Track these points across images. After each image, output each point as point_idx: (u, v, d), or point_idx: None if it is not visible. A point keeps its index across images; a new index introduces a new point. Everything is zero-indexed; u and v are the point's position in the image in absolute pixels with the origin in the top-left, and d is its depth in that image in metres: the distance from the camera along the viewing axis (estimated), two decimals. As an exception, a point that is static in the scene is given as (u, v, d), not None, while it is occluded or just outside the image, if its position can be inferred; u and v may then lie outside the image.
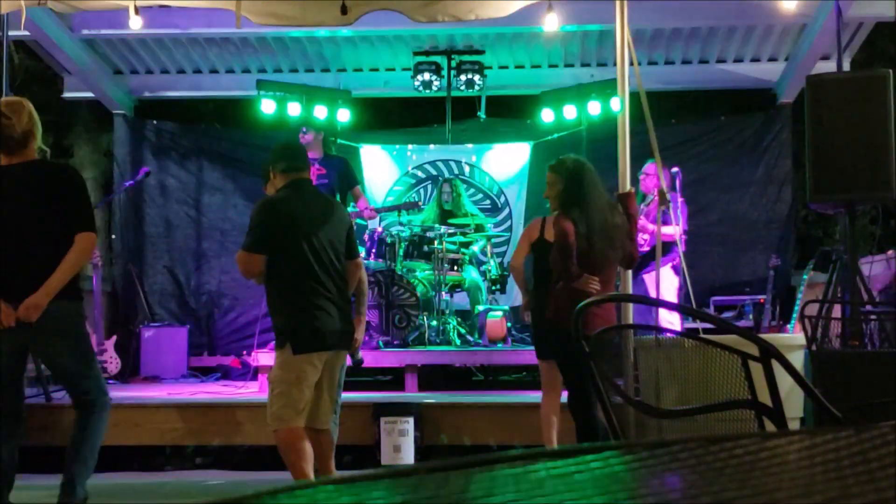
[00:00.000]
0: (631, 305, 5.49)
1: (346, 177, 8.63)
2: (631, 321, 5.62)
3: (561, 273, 5.11)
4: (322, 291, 4.82)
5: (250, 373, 8.75)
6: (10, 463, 4.67)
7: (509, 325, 8.72)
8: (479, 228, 9.38)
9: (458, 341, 8.58)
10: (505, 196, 10.97)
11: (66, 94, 11.14)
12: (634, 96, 6.30)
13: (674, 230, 7.39)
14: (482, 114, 10.90)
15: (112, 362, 9.13)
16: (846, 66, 8.84)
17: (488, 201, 10.96)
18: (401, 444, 6.57)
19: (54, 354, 4.78)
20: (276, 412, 4.80)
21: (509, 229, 10.79)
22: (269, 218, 4.89)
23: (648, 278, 7.77)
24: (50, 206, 4.59)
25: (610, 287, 5.34)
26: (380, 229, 9.13)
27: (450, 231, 8.96)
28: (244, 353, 9.77)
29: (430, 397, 7.31)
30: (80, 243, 4.58)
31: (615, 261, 5.31)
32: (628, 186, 5.75)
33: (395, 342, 8.38)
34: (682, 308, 7.33)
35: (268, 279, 4.90)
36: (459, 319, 8.90)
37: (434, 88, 10.47)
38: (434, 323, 8.57)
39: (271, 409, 4.83)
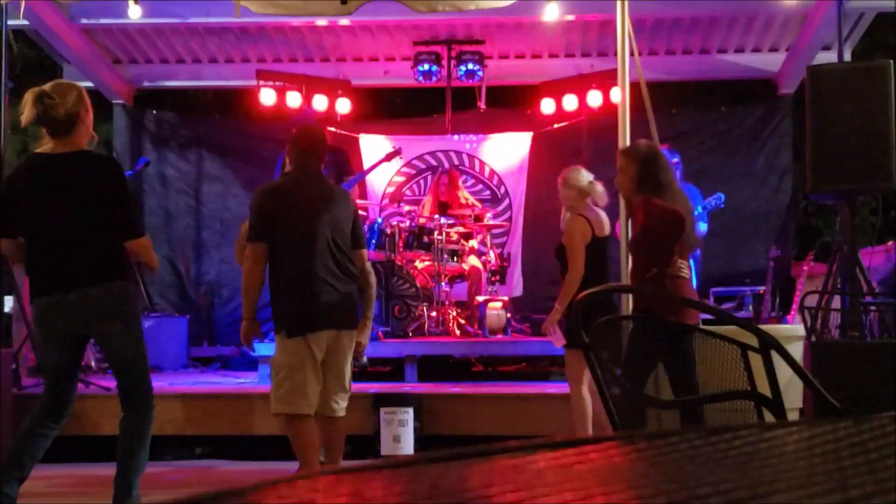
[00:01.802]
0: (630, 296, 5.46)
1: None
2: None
3: (655, 260, 4.86)
4: (319, 275, 4.78)
5: (250, 363, 8.76)
6: (26, 452, 4.59)
7: (508, 315, 8.72)
8: (478, 219, 9.38)
9: (457, 332, 8.58)
10: (505, 186, 10.95)
11: (66, 84, 11.12)
12: (635, 86, 6.29)
13: None
14: (482, 104, 10.88)
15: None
16: (847, 57, 8.82)
17: (488, 192, 10.94)
18: (400, 434, 6.57)
19: (112, 338, 4.62)
20: (281, 395, 4.80)
21: (509, 220, 10.78)
22: (263, 203, 4.90)
23: None
24: (94, 199, 4.52)
25: (690, 272, 5.17)
26: (380, 220, 9.12)
27: (449, 222, 8.95)
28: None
29: (429, 388, 7.32)
30: (135, 249, 4.63)
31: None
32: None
33: (396, 333, 8.39)
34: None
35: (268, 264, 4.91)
36: (459, 310, 8.90)
37: (434, 78, 10.46)
38: (434, 314, 8.58)
39: (276, 392, 4.83)
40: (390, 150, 9.68)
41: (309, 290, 4.78)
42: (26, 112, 4.51)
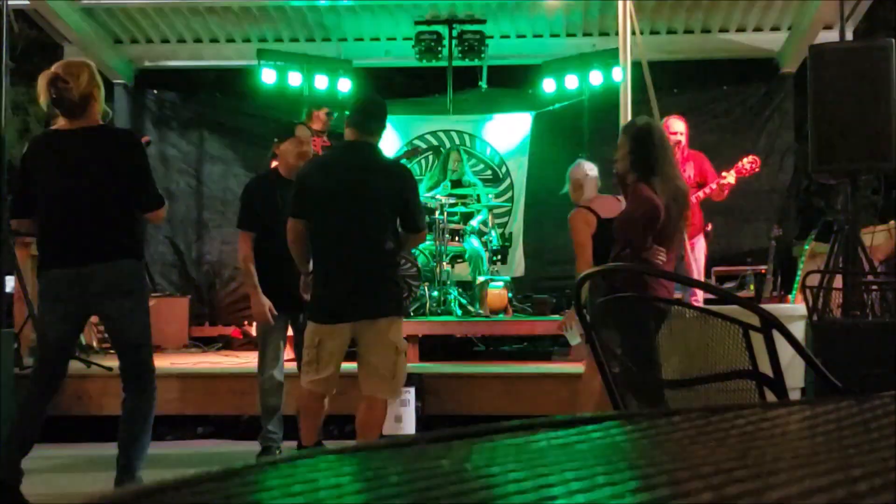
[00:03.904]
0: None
1: None
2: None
3: (629, 243, 4.82)
4: (343, 262, 4.69)
5: (251, 343, 8.76)
6: (32, 428, 4.63)
7: (510, 295, 8.72)
8: (479, 199, 9.37)
9: (459, 312, 8.59)
10: (506, 166, 10.94)
11: (66, 64, 11.08)
12: (636, 66, 6.29)
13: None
14: (483, 84, 10.86)
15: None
16: (849, 36, 8.79)
17: (490, 172, 10.93)
18: (402, 414, 6.58)
19: (122, 316, 4.61)
20: (302, 370, 4.95)
21: (510, 200, 10.78)
22: (304, 179, 4.86)
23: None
24: (113, 173, 4.54)
25: (674, 259, 5.06)
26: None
27: (451, 201, 8.94)
28: (245, 323, 9.78)
29: (431, 368, 7.33)
30: (158, 217, 4.84)
31: (682, 230, 5.14)
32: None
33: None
34: (683, 278, 7.32)
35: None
36: (460, 290, 8.90)
37: (435, 58, 10.43)
38: (435, 293, 8.58)
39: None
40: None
41: (333, 280, 4.73)
42: (42, 97, 4.52)
